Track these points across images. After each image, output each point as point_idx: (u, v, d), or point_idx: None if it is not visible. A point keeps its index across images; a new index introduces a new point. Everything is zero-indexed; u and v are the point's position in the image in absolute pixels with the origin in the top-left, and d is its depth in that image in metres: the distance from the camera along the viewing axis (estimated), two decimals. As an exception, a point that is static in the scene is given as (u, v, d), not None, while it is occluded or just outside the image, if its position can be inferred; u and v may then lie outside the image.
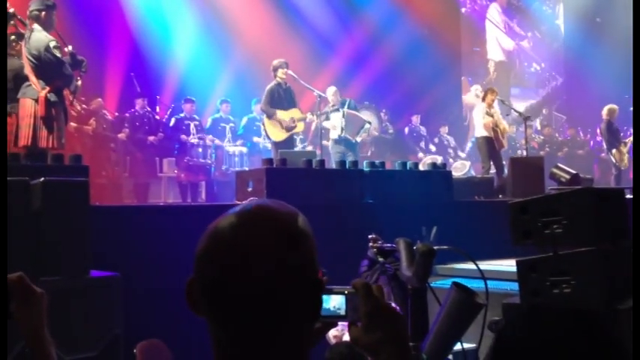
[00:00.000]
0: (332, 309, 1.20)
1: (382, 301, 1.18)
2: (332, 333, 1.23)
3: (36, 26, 5.91)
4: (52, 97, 5.84)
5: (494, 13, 12.27)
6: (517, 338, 1.24)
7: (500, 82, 13.09)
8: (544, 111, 15.37)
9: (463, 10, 12.30)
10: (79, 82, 6.19)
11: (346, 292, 1.20)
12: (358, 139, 10.11)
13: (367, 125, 9.96)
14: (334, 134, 9.56)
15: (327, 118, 9.59)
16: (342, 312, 1.20)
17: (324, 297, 1.20)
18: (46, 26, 5.96)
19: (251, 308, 1.08)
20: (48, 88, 5.82)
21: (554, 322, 1.23)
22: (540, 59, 13.75)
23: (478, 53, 12.60)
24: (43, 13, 5.95)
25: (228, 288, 1.08)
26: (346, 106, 9.68)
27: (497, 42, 12.45)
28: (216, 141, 10.24)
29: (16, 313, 1.50)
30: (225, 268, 1.09)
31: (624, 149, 11.59)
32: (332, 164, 7.88)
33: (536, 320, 1.25)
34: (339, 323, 1.23)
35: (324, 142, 9.58)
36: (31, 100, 5.80)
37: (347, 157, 8.75)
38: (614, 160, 11.76)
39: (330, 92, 9.77)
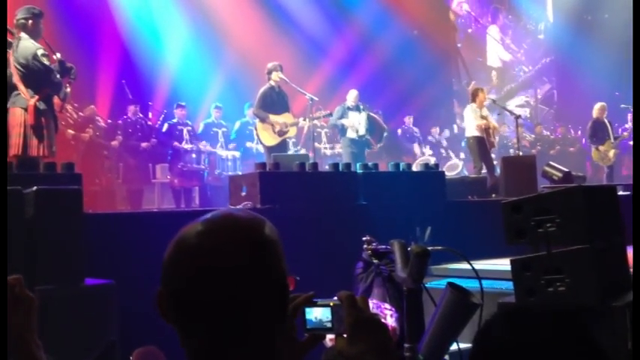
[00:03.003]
0: (319, 321, 1.21)
1: (366, 312, 1.19)
2: (328, 336, 1.23)
3: (23, 35, 5.89)
4: (42, 106, 5.83)
5: (494, 31, 15.69)
6: (495, 339, 1.24)
7: (498, 84, 15.88)
8: (531, 102, 16.73)
9: (469, 30, 15.50)
10: (68, 90, 6.17)
11: (332, 304, 1.20)
12: (379, 145, 10.52)
13: (385, 133, 10.30)
14: (352, 133, 9.80)
15: (344, 116, 9.89)
16: (329, 324, 1.20)
17: (311, 310, 1.21)
18: (34, 34, 5.94)
19: (217, 316, 1.09)
20: (37, 97, 5.81)
21: (535, 323, 1.22)
22: (529, 64, 16.56)
23: (480, 62, 15.64)
24: (30, 21, 5.93)
25: (193, 296, 1.09)
26: (363, 110, 10.02)
27: (496, 53, 15.82)
28: (208, 146, 10.26)
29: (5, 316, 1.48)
30: (190, 276, 1.09)
31: (605, 148, 11.61)
32: (342, 161, 8.10)
33: (517, 321, 1.25)
34: None
35: (316, 144, 9.74)
36: (20, 109, 5.78)
37: (359, 159, 8.97)
38: (595, 160, 11.90)
39: (352, 95, 10.14)
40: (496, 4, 16.19)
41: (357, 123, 9.86)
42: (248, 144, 10.60)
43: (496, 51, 16.06)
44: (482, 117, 9.54)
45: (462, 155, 13.48)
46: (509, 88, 16.35)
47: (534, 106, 16.94)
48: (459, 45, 15.83)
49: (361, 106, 10.17)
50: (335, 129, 10.56)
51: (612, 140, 11.68)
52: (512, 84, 16.50)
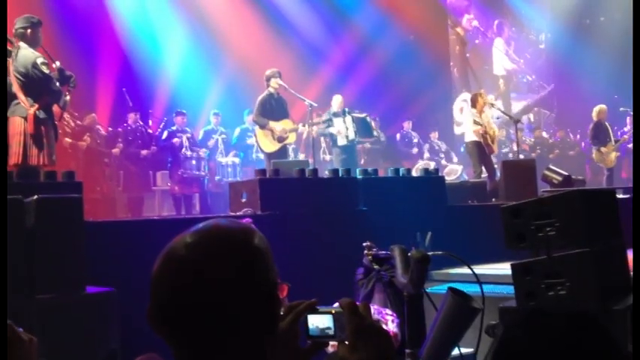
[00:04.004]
0: (321, 329, 1.21)
1: (368, 318, 1.19)
2: (330, 343, 1.24)
3: (22, 44, 5.90)
4: (41, 114, 5.83)
5: (499, 43, 17.06)
6: (519, 342, 1.23)
7: (504, 90, 17.07)
8: (535, 109, 17.38)
9: (477, 41, 16.77)
10: (68, 98, 6.17)
11: (333, 311, 1.21)
12: (378, 133, 10.26)
13: (369, 119, 10.14)
14: (342, 140, 9.61)
15: (330, 125, 9.69)
16: (331, 332, 1.21)
17: (313, 317, 1.21)
18: (33, 43, 5.95)
19: (206, 329, 1.09)
20: (37, 105, 5.81)
21: (556, 323, 1.22)
22: (531, 72, 17.58)
23: (487, 70, 16.86)
24: (29, 30, 5.94)
25: (181, 309, 1.09)
26: (347, 113, 9.85)
27: (501, 63, 17.09)
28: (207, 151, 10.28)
29: None
30: (178, 289, 1.10)
31: (607, 149, 11.63)
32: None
33: (538, 322, 1.24)
34: None
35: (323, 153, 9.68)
36: (20, 118, 5.78)
37: (352, 163, 8.88)
38: (596, 161, 11.94)
39: (337, 101, 9.92)
40: (501, 19, 17.04)
41: (344, 129, 9.67)
42: (249, 141, 10.56)
43: (501, 61, 17.13)
44: (478, 122, 9.53)
45: (456, 159, 13.55)
46: (527, 105, 17.37)
47: (537, 111, 17.43)
48: (467, 55, 16.67)
49: (346, 110, 10.05)
50: (325, 137, 10.36)
51: (613, 143, 11.70)
52: (529, 100, 17.51)
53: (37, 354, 1.43)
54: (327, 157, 11.36)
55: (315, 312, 1.22)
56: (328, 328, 1.21)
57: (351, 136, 9.69)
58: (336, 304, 1.21)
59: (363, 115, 10.31)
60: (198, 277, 1.09)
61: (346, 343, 1.18)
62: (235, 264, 1.11)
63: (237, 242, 1.14)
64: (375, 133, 10.78)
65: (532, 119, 17.11)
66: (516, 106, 16.87)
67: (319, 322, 1.22)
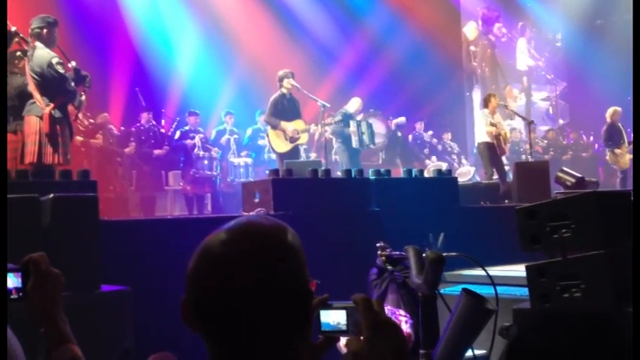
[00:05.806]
0: (333, 324, 1.22)
1: (382, 315, 1.19)
2: (343, 342, 1.24)
3: (38, 44, 5.94)
4: (57, 114, 5.87)
5: (522, 43, 18.02)
6: (532, 345, 1.23)
7: (527, 86, 18.02)
8: (552, 97, 17.95)
9: (503, 39, 17.74)
10: (83, 98, 6.21)
11: (347, 306, 1.21)
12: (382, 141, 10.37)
13: (374, 126, 10.15)
14: (355, 143, 9.55)
15: (346, 125, 9.62)
16: (344, 327, 1.21)
17: (326, 312, 1.22)
18: (48, 43, 5.99)
19: (240, 323, 1.10)
20: (52, 105, 5.85)
21: (568, 328, 1.22)
22: (550, 70, 18.33)
23: (511, 64, 17.75)
24: (45, 30, 5.98)
25: (217, 305, 1.10)
26: (361, 118, 9.80)
27: (524, 61, 18.07)
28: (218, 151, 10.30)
29: (31, 292, 1.52)
30: (213, 286, 1.11)
31: (621, 151, 11.55)
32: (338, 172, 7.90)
33: (551, 327, 1.24)
34: None
35: (334, 154, 9.65)
36: (35, 117, 5.82)
37: (356, 164, 8.84)
38: (610, 162, 11.88)
39: (356, 103, 9.98)
40: (524, 21, 17.89)
41: (358, 132, 9.58)
42: (260, 142, 10.56)
43: (524, 59, 18.09)
44: (493, 124, 9.52)
45: (468, 161, 13.54)
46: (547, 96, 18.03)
47: (555, 104, 17.82)
48: (495, 50, 17.49)
49: (358, 116, 9.95)
50: (335, 136, 10.10)
51: (627, 145, 11.62)
52: (548, 89, 18.16)
53: (62, 289, 1.58)
54: (338, 158, 11.33)
55: (328, 307, 1.22)
56: (341, 323, 1.21)
57: (367, 140, 9.64)
58: (350, 301, 1.22)
59: (370, 120, 10.31)
60: (232, 274, 1.10)
61: (360, 338, 1.18)
62: (269, 261, 1.12)
63: (270, 240, 1.15)
64: (376, 141, 10.74)
65: (551, 111, 17.51)
66: (537, 96, 17.69)
67: (332, 317, 1.22)
